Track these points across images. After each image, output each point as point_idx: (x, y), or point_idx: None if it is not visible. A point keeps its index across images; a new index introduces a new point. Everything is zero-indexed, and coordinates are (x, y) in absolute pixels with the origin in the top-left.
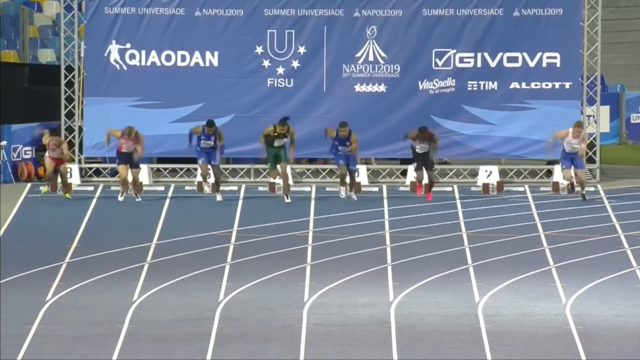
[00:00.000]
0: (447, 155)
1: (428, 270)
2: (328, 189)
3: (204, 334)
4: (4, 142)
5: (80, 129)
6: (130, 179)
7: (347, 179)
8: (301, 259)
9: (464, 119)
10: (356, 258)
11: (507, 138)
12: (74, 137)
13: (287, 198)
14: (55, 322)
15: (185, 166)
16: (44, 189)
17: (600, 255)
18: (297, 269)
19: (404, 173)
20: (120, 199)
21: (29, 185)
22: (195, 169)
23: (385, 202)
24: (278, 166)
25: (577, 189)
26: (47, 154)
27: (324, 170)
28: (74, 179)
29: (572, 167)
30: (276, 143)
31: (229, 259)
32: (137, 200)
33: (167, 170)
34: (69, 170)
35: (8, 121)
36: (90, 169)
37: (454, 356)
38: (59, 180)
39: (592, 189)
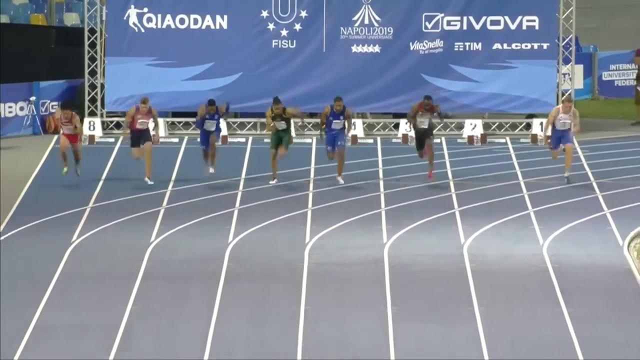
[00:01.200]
0: None
1: (418, 215)
2: None
3: (215, 273)
4: (33, 98)
5: (102, 86)
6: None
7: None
8: (303, 204)
9: (452, 77)
10: (353, 204)
11: (491, 94)
12: (96, 93)
13: (274, 180)
14: (80, 262)
15: None
16: (64, 170)
17: (575, 200)
18: (299, 214)
19: (397, 126)
20: (150, 183)
21: (55, 136)
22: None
23: (379, 152)
24: (278, 149)
25: (565, 174)
26: (61, 131)
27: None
28: (97, 132)
29: (563, 144)
30: (278, 126)
31: (237, 204)
32: (150, 183)
33: (181, 124)
34: (91, 123)
35: (37, 79)
36: (111, 122)
37: (442, 292)
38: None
39: None
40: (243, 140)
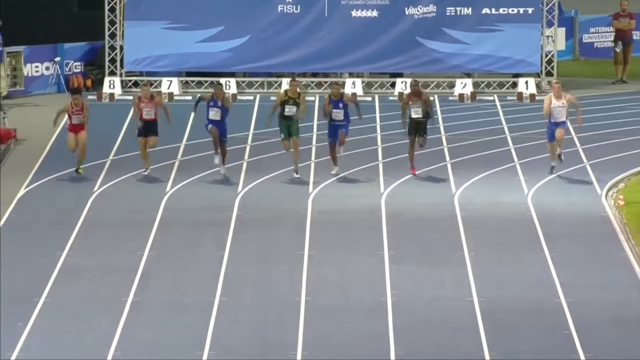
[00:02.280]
0: (429, 70)
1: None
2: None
3: (225, 220)
4: (57, 59)
5: (121, 48)
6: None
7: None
8: (306, 157)
9: (444, 39)
10: (353, 156)
11: (480, 55)
12: (116, 54)
13: (297, 173)
14: (102, 210)
15: (209, 79)
16: (80, 171)
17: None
18: (303, 166)
19: (393, 85)
20: (145, 173)
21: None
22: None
23: (377, 109)
24: (290, 139)
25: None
26: (67, 121)
27: (325, 82)
28: (116, 90)
29: (555, 141)
30: (287, 111)
31: (245, 157)
32: (145, 173)
33: (194, 83)
34: (111, 82)
35: (61, 41)
36: (129, 81)
37: (434, 238)
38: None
39: None
40: (251, 98)
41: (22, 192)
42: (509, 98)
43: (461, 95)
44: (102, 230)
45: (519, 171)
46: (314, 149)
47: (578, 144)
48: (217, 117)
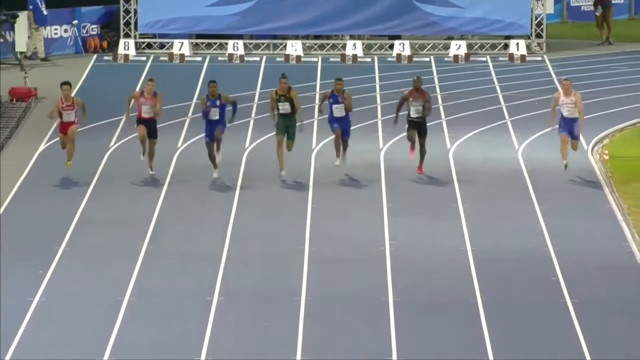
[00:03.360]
0: (425, 33)
1: None
2: (332, 59)
3: (234, 175)
4: (75, 21)
5: (135, 11)
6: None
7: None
8: (309, 116)
9: (439, 3)
10: (354, 114)
11: (473, 18)
12: (130, 17)
13: (282, 170)
14: (116, 164)
15: (218, 41)
16: (67, 164)
17: (546, 111)
18: (306, 124)
19: (392, 47)
20: (142, 158)
21: (95, 55)
22: (226, 43)
23: (376, 69)
24: (285, 141)
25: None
26: (58, 121)
27: (327, 44)
28: (131, 51)
29: (569, 137)
30: (281, 109)
31: (252, 114)
32: (151, 173)
33: (204, 44)
34: (126, 44)
35: (78, 4)
36: (143, 42)
37: (430, 191)
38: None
39: (539, 58)
40: (258, 59)
41: (42, 147)
42: (500, 59)
43: (456, 57)
44: (117, 183)
45: (510, 128)
46: (316, 107)
47: None
48: (216, 117)
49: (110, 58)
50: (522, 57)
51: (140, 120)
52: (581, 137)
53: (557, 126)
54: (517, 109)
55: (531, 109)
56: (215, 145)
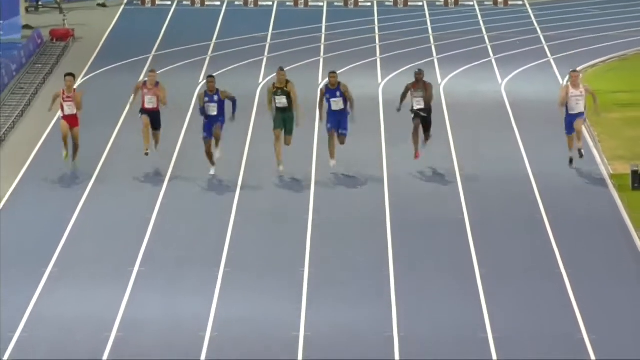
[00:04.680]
0: None
1: (405, 62)
2: (336, 3)
3: (249, 105)
4: None
5: None
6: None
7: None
8: (316, 53)
9: None
10: (355, 53)
11: None
12: None
13: (280, 165)
14: None
15: None
16: (64, 154)
17: (526, 49)
18: (314, 61)
19: None
20: (145, 154)
21: (125, 0)
22: None
23: (376, 13)
24: (283, 136)
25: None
26: (60, 113)
27: None
28: None
29: (573, 133)
30: (278, 102)
31: (265, 53)
32: (146, 153)
33: None
34: None
35: None
36: None
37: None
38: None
39: (520, 2)
40: (270, 3)
41: (79, 81)
42: (486, 3)
43: (446, 1)
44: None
45: (494, 65)
46: (322, 47)
47: (544, 42)
48: (214, 112)
49: (139, 3)
50: (505, 1)
51: (144, 111)
52: (557, 72)
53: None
54: (501, 48)
55: (513, 48)
56: (213, 142)
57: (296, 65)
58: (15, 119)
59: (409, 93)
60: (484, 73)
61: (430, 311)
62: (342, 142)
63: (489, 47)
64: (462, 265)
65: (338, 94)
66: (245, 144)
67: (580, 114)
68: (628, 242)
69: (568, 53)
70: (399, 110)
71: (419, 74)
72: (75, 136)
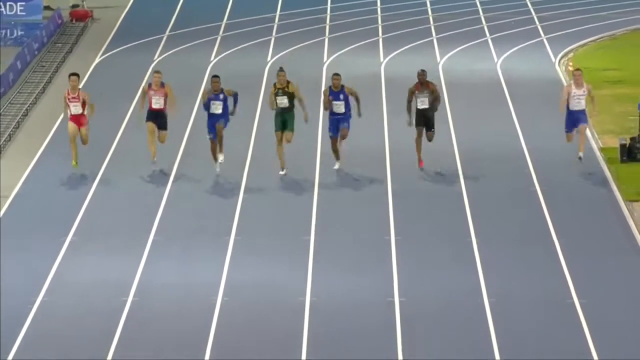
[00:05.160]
0: None
1: (406, 41)
2: None
3: (258, 83)
4: None
5: None
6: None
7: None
8: (321, 33)
9: None
10: (359, 33)
11: None
12: None
13: (283, 170)
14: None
15: None
16: (73, 163)
17: (521, 29)
18: (319, 40)
19: None
20: (152, 163)
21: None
22: None
23: None
24: (284, 133)
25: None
26: (67, 112)
27: None
28: None
29: (574, 130)
30: (279, 102)
31: (273, 33)
32: (153, 160)
33: None
34: None
35: None
36: None
37: None
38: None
39: None
40: None
41: (97, 59)
42: None
43: None
44: None
45: (490, 44)
46: (327, 27)
47: (537, 22)
48: (219, 110)
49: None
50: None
51: (150, 113)
52: (550, 51)
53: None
54: (496, 28)
55: (508, 28)
56: (217, 142)
57: (303, 44)
58: (37, 95)
59: (414, 95)
60: (480, 52)
61: (430, 277)
62: (344, 136)
63: (485, 27)
64: (459, 234)
65: (341, 96)
66: (254, 119)
67: (583, 115)
68: (617, 213)
69: (560, 33)
70: (410, 124)
71: (421, 75)
72: (83, 137)
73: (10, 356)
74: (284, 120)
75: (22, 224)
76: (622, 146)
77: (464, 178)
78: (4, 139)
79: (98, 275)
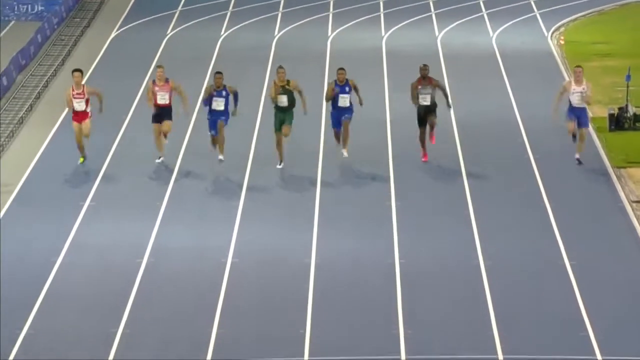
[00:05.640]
0: None
1: (406, 16)
2: None
3: (265, 56)
4: None
5: None
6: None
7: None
8: (325, 9)
9: None
10: (361, 9)
11: None
12: None
13: (281, 164)
14: (173, 49)
15: None
16: (81, 160)
17: (514, 5)
18: (323, 16)
19: None
20: (157, 161)
21: None
22: None
23: None
24: (282, 127)
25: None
26: (71, 108)
27: None
28: None
29: (576, 125)
30: (279, 101)
31: (280, 8)
32: (159, 160)
33: None
34: None
35: None
36: None
37: None
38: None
39: None
40: None
41: (113, 34)
42: None
43: None
44: (174, 63)
45: (485, 19)
46: (332, 2)
47: (535, 7)
48: (221, 107)
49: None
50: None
51: (156, 111)
52: (542, 26)
53: (565, 116)
54: (492, 3)
55: (503, 4)
56: (219, 142)
57: (309, 19)
58: (56, 67)
59: (417, 90)
60: (476, 26)
61: (428, 241)
62: (346, 128)
63: (481, 3)
64: (457, 200)
65: (347, 89)
66: (261, 94)
67: (585, 117)
68: (605, 178)
69: (552, 8)
70: (416, 105)
71: (424, 70)
72: (86, 130)
73: (35, 308)
74: (283, 120)
75: (44, 189)
76: (611, 116)
77: (461, 146)
78: (25, 109)
79: (115, 238)
